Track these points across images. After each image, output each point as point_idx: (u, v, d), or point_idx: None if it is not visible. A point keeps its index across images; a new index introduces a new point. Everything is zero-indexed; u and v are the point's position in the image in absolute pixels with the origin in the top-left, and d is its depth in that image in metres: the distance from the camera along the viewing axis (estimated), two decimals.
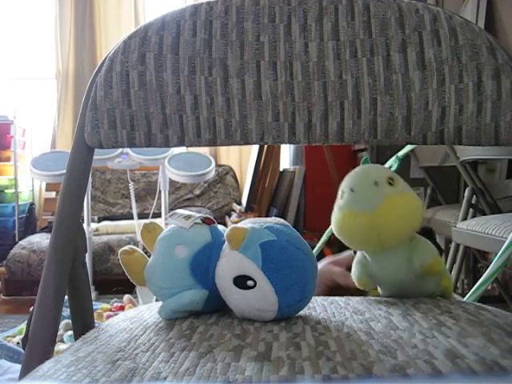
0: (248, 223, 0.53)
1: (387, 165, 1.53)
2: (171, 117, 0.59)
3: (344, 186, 0.58)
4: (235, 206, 3.38)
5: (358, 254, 0.62)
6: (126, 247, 0.57)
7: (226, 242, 0.52)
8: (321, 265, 0.80)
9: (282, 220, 0.55)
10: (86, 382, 0.37)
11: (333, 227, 0.59)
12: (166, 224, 0.58)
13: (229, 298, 0.51)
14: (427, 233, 2.15)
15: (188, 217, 0.56)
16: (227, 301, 0.52)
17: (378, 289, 0.63)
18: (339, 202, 0.58)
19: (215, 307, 0.54)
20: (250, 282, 0.49)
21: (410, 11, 0.57)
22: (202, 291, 0.53)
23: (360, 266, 0.61)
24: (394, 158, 1.54)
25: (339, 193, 0.59)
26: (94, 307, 1.78)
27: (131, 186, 2.55)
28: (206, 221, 0.56)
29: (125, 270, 0.56)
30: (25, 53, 3.78)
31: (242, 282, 0.49)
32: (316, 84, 0.57)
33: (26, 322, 0.55)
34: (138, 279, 0.56)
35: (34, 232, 3.32)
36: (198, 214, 0.56)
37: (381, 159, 2.36)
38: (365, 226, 0.55)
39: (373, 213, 0.55)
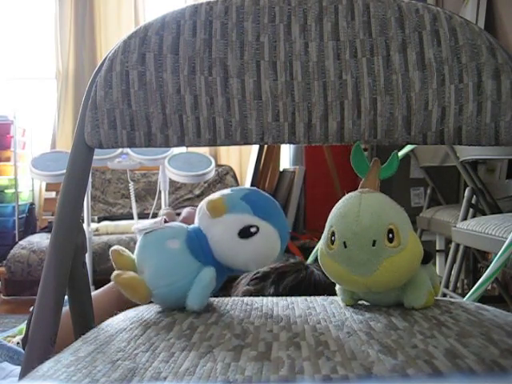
0: (216, 194, 0.56)
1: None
2: (171, 117, 0.59)
3: (336, 226, 0.52)
4: None
5: None
6: (119, 271, 0.53)
7: (206, 220, 0.55)
8: (185, 211, 0.94)
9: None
10: (85, 382, 0.37)
11: (321, 265, 0.54)
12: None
13: (240, 254, 0.54)
14: None
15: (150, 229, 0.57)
16: (237, 259, 0.55)
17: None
18: (330, 247, 0.52)
19: (221, 281, 0.57)
20: (253, 229, 0.53)
21: (410, 11, 0.57)
22: (211, 269, 0.55)
23: (347, 292, 0.56)
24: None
25: (328, 226, 0.53)
26: None
27: (131, 186, 2.54)
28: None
29: (127, 295, 0.53)
30: (25, 53, 3.78)
31: (246, 231, 0.53)
32: (316, 84, 0.57)
33: (26, 321, 0.55)
34: (143, 298, 0.53)
35: (34, 232, 3.32)
36: (158, 219, 0.59)
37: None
38: (357, 287, 0.53)
39: (368, 277, 0.51)
